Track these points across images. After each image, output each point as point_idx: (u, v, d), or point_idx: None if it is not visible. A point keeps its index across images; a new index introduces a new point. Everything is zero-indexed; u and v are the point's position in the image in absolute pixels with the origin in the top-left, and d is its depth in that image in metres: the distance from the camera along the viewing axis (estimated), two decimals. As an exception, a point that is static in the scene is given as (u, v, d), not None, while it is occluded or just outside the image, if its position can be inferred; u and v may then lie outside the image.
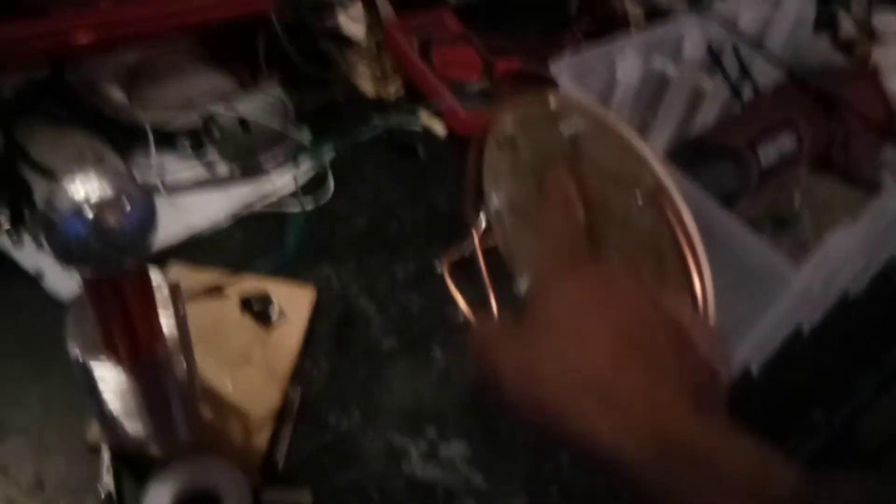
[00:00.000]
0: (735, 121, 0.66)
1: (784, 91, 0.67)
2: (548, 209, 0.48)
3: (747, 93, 0.71)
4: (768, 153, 0.61)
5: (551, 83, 0.63)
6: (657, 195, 0.45)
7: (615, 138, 0.47)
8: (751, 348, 0.64)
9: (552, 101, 0.49)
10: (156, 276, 0.49)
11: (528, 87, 0.55)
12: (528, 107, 0.53)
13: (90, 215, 0.40)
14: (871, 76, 0.70)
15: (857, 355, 0.72)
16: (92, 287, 0.44)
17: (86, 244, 0.40)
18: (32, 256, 0.64)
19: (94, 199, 0.40)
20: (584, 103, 0.48)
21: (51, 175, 0.67)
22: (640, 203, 0.46)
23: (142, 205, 0.41)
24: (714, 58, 0.68)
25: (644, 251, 0.48)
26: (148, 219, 0.42)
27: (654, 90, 0.75)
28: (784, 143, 0.62)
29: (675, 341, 0.39)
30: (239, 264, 0.65)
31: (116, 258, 0.42)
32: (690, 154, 0.62)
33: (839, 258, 0.55)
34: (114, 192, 0.40)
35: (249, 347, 0.62)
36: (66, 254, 0.41)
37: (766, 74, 0.72)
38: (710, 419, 0.36)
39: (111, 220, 0.40)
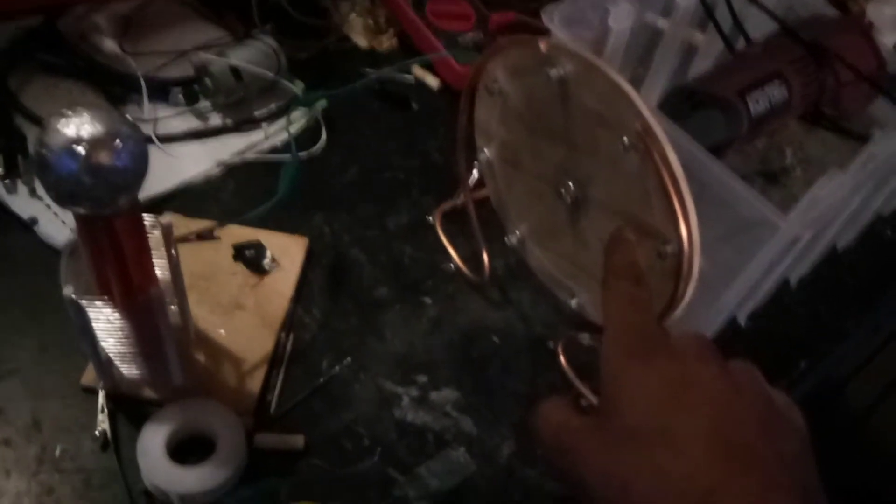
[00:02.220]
0: (724, 70, 0.66)
1: (775, 42, 0.67)
2: (614, 285, 0.45)
3: (740, 45, 0.71)
4: (758, 102, 0.61)
5: (545, 35, 0.63)
6: (643, 136, 0.45)
7: (603, 81, 0.47)
8: (738, 298, 0.65)
9: (541, 45, 0.50)
10: (148, 219, 0.50)
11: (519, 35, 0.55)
12: (518, 52, 0.53)
13: (82, 152, 0.40)
14: (862, 28, 0.70)
15: (844, 308, 0.73)
16: (85, 226, 0.45)
17: (78, 181, 0.41)
18: (26, 203, 0.64)
19: (85, 136, 0.40)
20: (573, 47, 0.49)
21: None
22: (626, 144, 0.46)
23: (133, 143, 0.42)
24: (706, 9, 0.68)
25: (631, 192, 0.48)
26: (139, 156, 0.42)
27: (646, 43, 0.75)
28: (774, 93, 0.62)
29: (765, 425, 0.37)
30: (232, 214, 0.66)
31: (109, 196, 0.42)
32: (679, 102, 0.62)
33: (827, 205, 0.56)
34: (105, 130, 0.41)
35: (242, 295, 0.63)
36: (60, 191, 0.42)
37: (759, 28, 0.72)
38: None
39: (103, 156, 0.41)
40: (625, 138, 0.47)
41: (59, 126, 0.41)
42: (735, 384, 0.38)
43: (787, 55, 0.65)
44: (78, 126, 0.41)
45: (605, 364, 0.40)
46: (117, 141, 0.41)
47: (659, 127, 0.45)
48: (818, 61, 0.65)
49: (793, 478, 0.35)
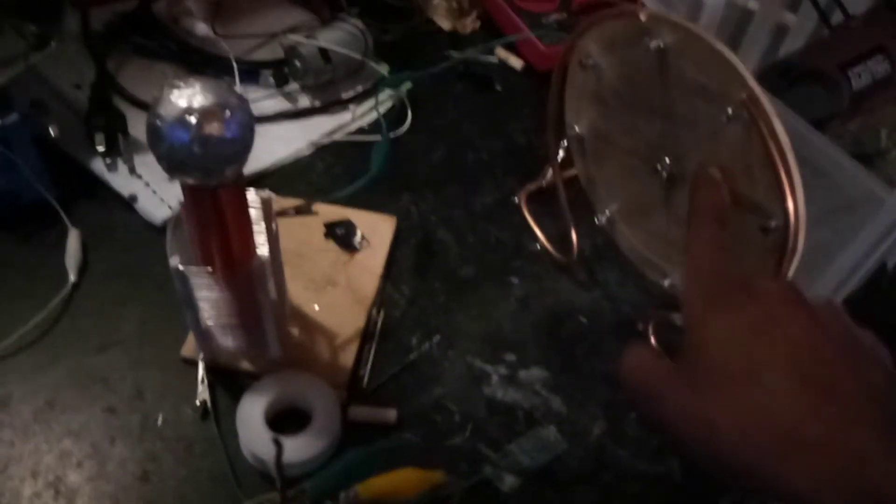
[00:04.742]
0: (823, 45, 0.64)
1: (876, 15, 0.65)
2: (698, 226, 0.45)
3: (836, 20, 0.69)
4: (860, 77, 0.60)
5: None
6: (748, 106, 0.44)
7: (705, 50, 0.46)
8: (836, 281, 0.63)
9: (641, 14, 0.49)
10: (249, 194, 0.51)
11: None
12: (615, 24, 0.52)
13: (193, 122, 0.41)
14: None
15: (945, 292, 0.71)
16: (192, 196, 0.46)
17: (189, 151, 0.42)
18: (126, 181, 0.66)
19: (196, 106, 0.41)
20: (674, 16, 0.48)
21: (141, 104, 0.69)
22: (729, 115, 0.45)
23: (241, 114, 0.43)
24: (802, -17, 0.67)
25: (733, 165, 0.47)
26: (246, 127, 0.43)
27: (735, 25, 0.74)
28: (877, 68, 0.61)
29: (849, 359, 0.36)
30: (321, 192, 0.66)
31: (217, 166, 0.43)
32: (777, 77, 0.61)
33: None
34: (215, 101, 0.42)
35: (334, 271, 0.63)
36: (171, 161, 0.43)
37: (857, 2, 0.70)
38: None
39: (213, 127, 0.42)
40: (728, 109, 0.46)
41: (172, 97, 0.42)
42: (818, 322, 0.37)
43: (889, 29, 0.63)
44: (190, 97, 0.42)
45: (687, 307, 0.40)
46: (227, 112, 0.42)
47: (765, 96, 0.44)
48: (922, 35, 0.63)
49: (876, 409, 0.35)
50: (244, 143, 0.44)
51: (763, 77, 0.64)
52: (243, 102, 0.43)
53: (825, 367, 0.36)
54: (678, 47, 0.48)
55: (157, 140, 0.42)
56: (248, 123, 0.44)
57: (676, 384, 0.38)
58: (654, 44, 0.49)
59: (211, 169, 0.43)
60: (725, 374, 0.37)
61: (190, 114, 0.41)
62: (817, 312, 0.38)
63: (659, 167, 0.54)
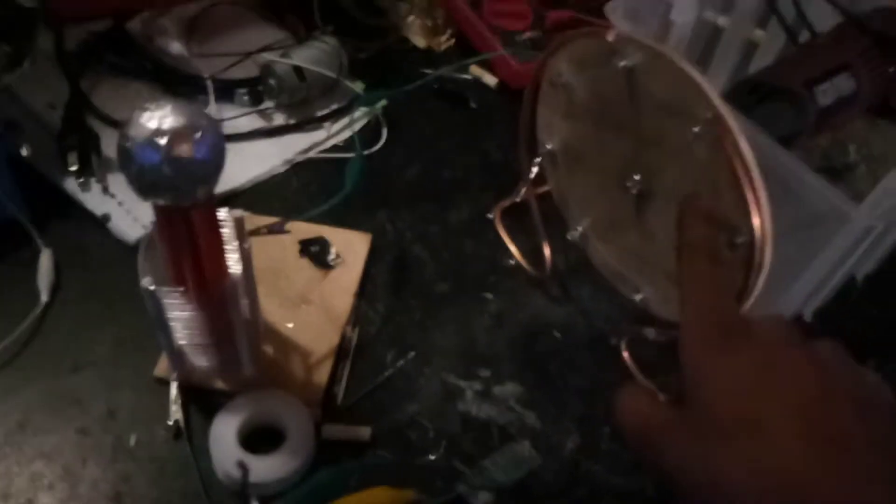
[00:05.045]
0: (790, 62, 0.65)
1: (841, 32, 0.66)
2: (690, 263, 0.43)
3: (804, 37, 0.70)
4: (825, 94, 0.61)
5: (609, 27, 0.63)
6: (714, 125, 0.45)
7: (671, 70, 0.47)
8: (805, 294, 0.64)
9: (609, 34, 0.50)
10: (221, 213, 0.51)
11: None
12: (584, 43, 0.53)
13: (164, 144, 0.41)
14: (932, 19, 0.69)
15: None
16: (164, 217, 0.46)
17: (159, 172, 0.42)
18: (100, 201, 0.66)
19: (167, 128, 0.41)
20: (641, 36, 0.48)
21: (115, 123, 0.69)
22: (696, 134, 0.46)
23: (211, 135, 0.43)
24: (769, 1, 0.68)
25: (700, 182, 0.48)
26: (217, 149, 0.43)
27: (705, 42, 0.75)
28: (842, 85, 0.62)
29: (855, 405, 0.35)
30: (296, 210, 0.66)
31: (188, 187, 0.43)
32: (744, 95, 0.62)
33: (898, 198, 0.55)
34: (185, 123, 0.42)
35: (308, 289, 0.64)
36: (142, 183, 0.43)
37: (823, 19, 0.71)
38: None
39: (183, 148, 0.42)
40: (695, 127, 0.47)
41: (142, 119, 0.42)
42: (823, 366, 0.36)
43: (854, 46, 0.64)
44: (160, 119, 0.42)
45: (686, 352, 0.38)
46: (197, 133, 0.42)
47: (731, 115, 0.45)
48: (886, 54, 0.64)
49: (886, 460, 0.34)
50: (215, 164, 0.44)
51: (732, 94, 0.65)
52: (214, 123, 0.44)
53: (832, 416, 0.34)
54: (645, 67, 0.49)
55: (127, 161, 0.42)
56: (219, 144, 0.44)
57: (676, 435, 0.37)
58: (622, 63, 0.50)
59: (182, 190, 0.43)
60: (729, 423, 0.35)
61: (160, 135, 0.41)
62: (818, 352, 0.37)
63: (629, 184, 0.54)
